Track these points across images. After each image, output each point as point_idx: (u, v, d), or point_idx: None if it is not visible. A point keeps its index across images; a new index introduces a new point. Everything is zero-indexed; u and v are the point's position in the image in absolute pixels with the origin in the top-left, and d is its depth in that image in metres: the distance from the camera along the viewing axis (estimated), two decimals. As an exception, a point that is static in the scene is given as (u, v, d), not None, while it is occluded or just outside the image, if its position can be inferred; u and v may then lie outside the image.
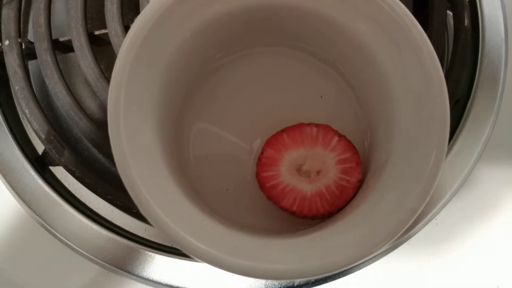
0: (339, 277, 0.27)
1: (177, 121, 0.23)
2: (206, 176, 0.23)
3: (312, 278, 0.26)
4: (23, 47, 0.27)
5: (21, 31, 0.28)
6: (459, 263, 0.28)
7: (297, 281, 0.26)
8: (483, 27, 0.30)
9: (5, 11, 0.28)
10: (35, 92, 0.27)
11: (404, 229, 0.18)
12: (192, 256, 0.18)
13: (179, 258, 0.26)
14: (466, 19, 0.29)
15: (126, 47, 0.18)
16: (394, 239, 0.18)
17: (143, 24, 0.19)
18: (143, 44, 0.19)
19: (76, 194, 0.29)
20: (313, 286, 0.27)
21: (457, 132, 0.28)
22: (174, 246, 0.27)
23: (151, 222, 0.18)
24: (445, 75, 0.28)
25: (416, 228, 0.27)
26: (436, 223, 0.29)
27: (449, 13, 0.30)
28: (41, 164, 0.28)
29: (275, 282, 0.26)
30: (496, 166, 0.30)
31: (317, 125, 0.22)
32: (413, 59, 0.19)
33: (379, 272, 0.28)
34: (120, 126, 0.18)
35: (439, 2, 0.28)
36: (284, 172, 0.22)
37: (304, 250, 0.19)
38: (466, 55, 0.28)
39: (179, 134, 0.23)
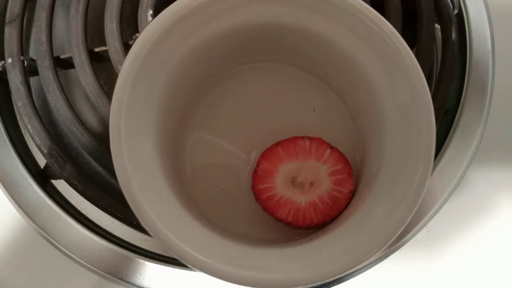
0: (334, 285, 0.28)
1: (176, 135, 0.24)
2: (203, 188, 0.23)
3: (307, 287, 0.27)
4: (25, 64, 0.28)
5: (23, 49, 0.29)
6: (450, 269, 0.29)
7: (293, 289, 0.27)
8: (470, 40, 0.31)
9: (7, 30, 0.28)
10: (37, 108, 0.28)
11: (394, 238, 0.19)
12: (191, 267, 0.18)
13: (179, 268, 0.27)
14: (453, 32, 0.30)
15: (128, 66, 0.19)
16: (384, 248, 0.19)
17: (144, 44, 0.19)
18: (143, 63, 0.20)
19: (77, 207, 0.29)
20: (309, 294, 0.27)
21: (446, 142, 0.29)
22: (174, 257, 0.28)
23: (151, 234, 0.18)
24: (434, 87, 0.29)
25: (408, 236, 0.28)
26: (428, 231, 0.29)
27: (437, 26, 0.31)
28: (43, 178, 0.29)
29: (272, 290, 0.27)
30: (485, 174, 0.30)
31: (310, 138, 0.23)
32: (401, 76, 0.20)
33: (373, 279, 0.29)
34: (121, 141, 0.19)
35: (427, 17, 0.29)
36: (279, 184, 0.23)
37: (299, 259, 0.20)
38: (454, 67, 0.29)
39: (178, 148, 0.24)
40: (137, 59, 0.20)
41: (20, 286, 0.28)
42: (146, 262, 0.27)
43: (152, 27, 0.20)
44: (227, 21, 0.21)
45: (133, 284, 0.27)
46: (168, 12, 0.20)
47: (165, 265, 0.27)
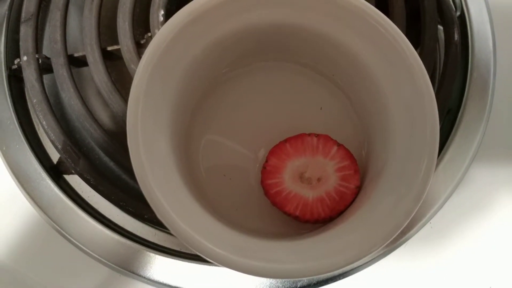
0: (340, 279, 0.28)
1: (187, 133, 0.24)
2: (215, 185, 0.24)
3: (314, 279, 0.28)
4: (40, 62, 0.29)
5: (38, 47, 0.30)
6: (453, 264, 0.30)
7: (300, 283, 0.28)
8: (472, 41, 0.32)
9: (23, 28, 0.29)
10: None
11: (400, 231, 0.20)
12: (205, 257, 0.19)
13: (188, 262, 0.28)
14: (455, 33, 0.30)
15: (143, 65, 0.20)
16: (390, 240, 0.20)
17: (159, 45, 0.20)
18: (158, 63, 0.20)
19: (89, 201, 0.30)
20: (315, 287, 0.28)
21: (449, 140, 0.30)
22: (186, 250, 0.28)
23: (167, 226, 0.19)
24: (437, 87, 0.30)
25: (412, 231, 0.28)
26: (431, 227, 0.30)
27: (440, 27, 0.32)
28: (56, 173, 0.30)
29: (279, 284, 0.28)
30: (486, 171, 0.31)
31: (317, 135, 0.23)
32: (405, 75, 0.21)
33: (378, 273, 0.29)
34: (138, 137, 0.19)
35: (430, 18, 0.30)
36: (287, 180, 0.23)
37: (306, 252, 0.20)
38: (456, 68, 0.30)
39: (189, 145, 0.25)
40: (153, 58, 0.20)
41: (33, 278, 0.29)
42: (156, 256, 0.28)
43: (167, 28, 0.21)
44: (239, 22, 0.22)
45: (143, 277, 0.28)
46: (181, 13, 0.21)
47: (175, 259, 0.28)
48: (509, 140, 0.32)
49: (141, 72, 0.20)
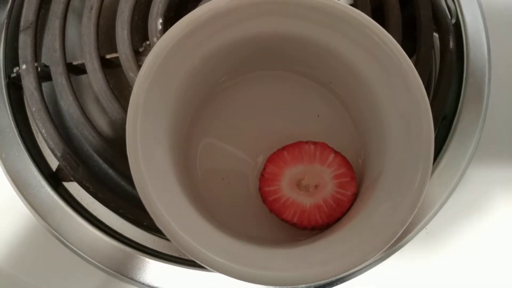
0: (337, 284, 0.28)
1: (186, 139, 0.25)
2: (213, 191, 0.25)
3: (312, 285, 0.28)
4: (39, 70, 0.29)
5: (36, 55, 0.30)
6: (449, 269, 0.30)
7: (297, 288, 0.28)
8: (467, 48, 0.32)
9: (22, 37, 0.29)
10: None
11: (396, 238, 0.20)
12: (202, 264, 0.19)
13: (187, 268, 0.28)
14: (451, 41, 0.31)
15: (143, 75, 0.20)
16: (386, 247, 0.20)
17: (158, 55, 0.21)
18: (157, 72, 0.21)
19: (88, 208, 0.30)
20: (312, 293, 0.28)
21: (445, 145, 0.30)
22: (184, 256, 0.28)
23: (165, 233, 0.19)
24: (433, 94, 0.30)
25: (408, 237, 0.29)
26: (427, 232, 0.30)
27: (436, 35, 0.32)
28: (55, 180, 0.30)
29: (277, 290, 0.28)
30: (482, 176, 0.31)
31: (314, 143, 0.24)
32: (401, 84, 0.21)
33: (374, 278, 0.29)
34: (137, 145, 0.20)
35: (425, 26, 0.30)
36: (285, 187, 0.24)
37: (304, 259, 0.21)
38: (452, 75, 0.30)
39: (188, 151, 0.25)
40: (152, 68, 0.21)
41: (32, 284, 0.29)
42: (155, 262, 0.28)
43: (165, 38, 0.21)
44: (237, 32, 0.22)
45: (142, 283, 0.28)
46: (180, 24, 0.21)
47: (173, 265, 0.28)
48: (504, 146, 0.32)
49: (141, 81, 0.20)
